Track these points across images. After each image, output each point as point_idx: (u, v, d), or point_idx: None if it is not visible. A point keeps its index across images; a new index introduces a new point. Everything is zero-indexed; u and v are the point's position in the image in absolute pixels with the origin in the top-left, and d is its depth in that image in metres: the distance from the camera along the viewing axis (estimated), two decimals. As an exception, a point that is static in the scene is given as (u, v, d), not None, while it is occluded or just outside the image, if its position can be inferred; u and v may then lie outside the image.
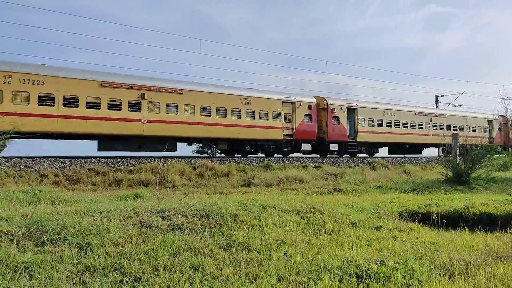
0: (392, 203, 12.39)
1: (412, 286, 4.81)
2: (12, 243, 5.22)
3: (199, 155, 27.56)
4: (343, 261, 5.77)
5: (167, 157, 19.45)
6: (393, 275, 5.12)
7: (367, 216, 9.88)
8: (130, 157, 18.36)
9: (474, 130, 32.51)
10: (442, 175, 16.93)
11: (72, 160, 16.59)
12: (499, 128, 35.28)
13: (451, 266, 5.66)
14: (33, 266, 4.76)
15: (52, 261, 4.99)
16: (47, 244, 5.42)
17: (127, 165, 17.30)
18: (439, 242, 7.31)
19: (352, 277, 5.15)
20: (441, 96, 40.20)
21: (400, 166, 23.02)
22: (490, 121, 34.87)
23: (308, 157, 23.82)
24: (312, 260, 5.85)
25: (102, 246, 5.60)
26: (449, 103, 39.01)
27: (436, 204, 11.89)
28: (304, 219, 8.58)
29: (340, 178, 17.84)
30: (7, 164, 14.75)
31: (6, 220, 6.04)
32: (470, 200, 12.48)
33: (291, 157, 22.95)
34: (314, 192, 14.90)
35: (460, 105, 39.14)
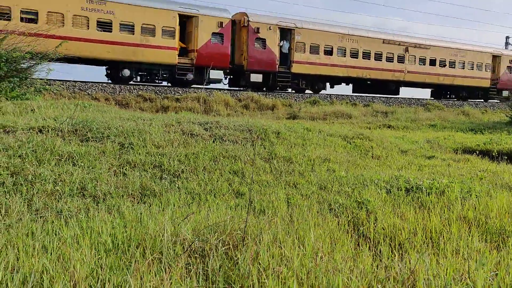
0: (447, 139, 11.58)
1: (470, 199, 4.39)
2: (58, 137, 5.34)
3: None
4: (391, 177, 5.41)
5: (213, 88, 19.34)
6: (447, 190, 4.70)
7: (419, 147, 9.29)
8: (177, 87, 18.43)
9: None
10: (507, 116, 15.50)
11: (122, 86, 16.94)
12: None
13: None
14: (77, 156, 4.85)
15: (95, 154, 5.07)
16: (91, 140, 5.50)
17: (174, 94, 17.43)
18: (500, 171, 6.68)
19: (401, 190, 4.80)
20: (513, 37, 36.19)
21: (457, 108, 21.46)
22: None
23: (345, 95, 21.89)
24: (357, 176, 5.54)
25: (143, 146, 5.61)
26: (521, 46, 35.06)
27: (497, 143, 10.96)
28: (350, 144, 8.18)
29: (391, 115, 16.98)
30: (62, 86, 15.34)
31: (55, 119, 6.18)
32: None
33: (339, 94, 21.88)
34: (362, 127, 14.30)
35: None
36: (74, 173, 4.35)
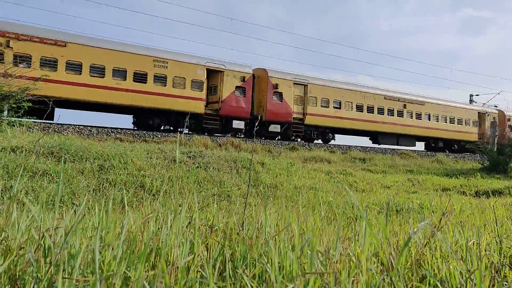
0: (425, 181, 11.73)
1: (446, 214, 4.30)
2: (32, 156, 5.03)
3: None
4: (380, 201, 5.31)
5: (191, 133, 19.26)
6: (432, 209, 4.63)
7: (401, 184, 9.31)
8: (156, 131, 18.26)
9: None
10: (479, 163, 15.98)
11: (99, 129, 16.64)
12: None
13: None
14: (53, 174, 4.54)
15: (73, 173, 4.77)
16: (68, 161, 5.21)
17: (153, 138, 17.22)
18: (482, 202, 6.70)
19: (392, 210, 4.69)
20: (476, 95, 38.55)
21: (431, 157, 22.06)
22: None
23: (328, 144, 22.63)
24: (346, 201, 5.41)
25: (124, 168, 5.35)
26: (484, 103, 37.30)
27: (473, 185, 11.17)
28: (334, 178, 8.11)
29: (369, 162, 17.19)
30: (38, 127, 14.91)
31: (29, 142, 5.87)
32: (510, 183, 11.67)
33: (317, 143, 22.23)
34: (343, 171, 14.34)
35: (495, 106, 37.33)
36: (48, 187, 4.04)
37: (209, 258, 1.29)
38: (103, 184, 4.57)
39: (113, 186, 4.62)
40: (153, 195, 4.67)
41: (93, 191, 4.33)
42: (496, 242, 1.57)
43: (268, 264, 1.11)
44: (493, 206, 4.05)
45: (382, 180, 9.22)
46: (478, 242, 1.51)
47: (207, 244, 1.47)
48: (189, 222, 1.61)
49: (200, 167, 6.26)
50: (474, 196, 8.67)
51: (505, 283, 1.25)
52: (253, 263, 1.22)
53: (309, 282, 1.01)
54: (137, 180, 4.85)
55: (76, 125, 17.01)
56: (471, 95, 39.29)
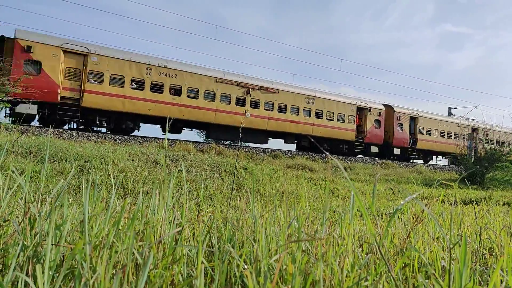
0: (405, 190, 11.93)
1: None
2: (9, 154, 4.90)
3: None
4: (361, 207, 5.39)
5: (173, 139, 19.18)
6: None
7: (381, 192, 9.45)
8: (139, 136, 18.09)
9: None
10: (456, 173, 16.37)
11: (80, 132, 16.36)
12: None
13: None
14: (32, 173, 4.43)
15: (52, 173, 4.66)
16: (48, 161, 5.10)
17: (134, 142, 17.03)
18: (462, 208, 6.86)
19: (373, 217, 4.76)
20: (454, 108, 39.62)
21: (410, 168, 22.51)
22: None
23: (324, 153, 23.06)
24: (330, 207, 5.45)
25: (105, 170, 5.26)
26: (462, 116, 38.33)
27: (450, 195, 11.42)
28: (315, 185, 8.17)
29: (350, 170, 17.39)
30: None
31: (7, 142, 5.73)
32: (486, 193, 12.00)
33: (299, 152, 22.46)
34: (325, 177, 14.47)
35: (473, 119, 38.40)
36: (25, 186, 3.93)
37: (197, 237, 1.28)
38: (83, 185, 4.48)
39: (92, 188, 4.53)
40: (134, 196, 4.60)
41: (72, 191, 4.24)
42: (476, 234, 1.61)
43: (255, 243, 1.12)
44: (474, 206, 4.15)
45: (363, 188, 9.33)
46: (459, 233, 1.55)
47: (194, 229, 1.46)
48: (177, 200, 1.62)
49: (182, 171, 6.19)
50: (452, 204, 8.87)
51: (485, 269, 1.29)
52: (239, 246, 1.22)
53: (296, 260, 1.02)
54: (118, 181, 4.78)
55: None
56: (449, 108, 40.35)
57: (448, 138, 29.08)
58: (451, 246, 1.09)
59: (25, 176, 1.53)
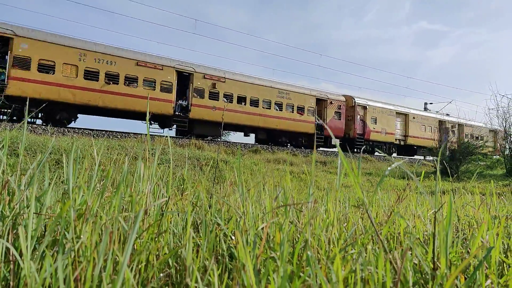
0: (384, 182, 12.18)
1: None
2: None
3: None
4: (348, 198, 5.45)
5: (153, 134, 18.94)
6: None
7: (361, 184, 9.65)
8: (116, 131, 17.77)
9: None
10: (432, 166, 16.81)
11: (55, 128, 15.95)
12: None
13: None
14: (4, 166, 4.30)
15: (27, 166, 4.54)
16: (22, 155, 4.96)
17: (112, 138, 16.72)
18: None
19: (354, 205, 4.84)
20: (430, 103, 40.55)
21: (389, 162, 22.94)
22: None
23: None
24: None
25: (82, 163, 5.15)
26: (437, 111, 39.29)
27: (427, 186, 11.71)
28: (297, 178, 8.23)
29: (330, 164, 17.61)
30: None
31: (-22, 136, 5.52)
32: (460, 185, 12.40)
33: (279, 147, 22.59)
34: (305, 172, 14.61)
35: (447, 114, 39.45)
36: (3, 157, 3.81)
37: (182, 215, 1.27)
38: (59, 179, 4.38)
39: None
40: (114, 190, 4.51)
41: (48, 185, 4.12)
42: (456, 214, 1.66)
43: (243, 215, 1.11)
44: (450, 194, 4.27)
45: (343, 180, 9.46)
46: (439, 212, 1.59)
47: (178, 208, 1.44)
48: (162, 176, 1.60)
49: (163, 164, 6.15)
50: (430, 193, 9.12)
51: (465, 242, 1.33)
52: (226, 222, 1.21)
53: (283, 229, 1.02)
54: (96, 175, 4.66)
55: (30, 122, 16.18)
56: (425, 103, 41.24)
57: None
58: (436, 210, 1.11)
59: (2, 145, 1.47)
